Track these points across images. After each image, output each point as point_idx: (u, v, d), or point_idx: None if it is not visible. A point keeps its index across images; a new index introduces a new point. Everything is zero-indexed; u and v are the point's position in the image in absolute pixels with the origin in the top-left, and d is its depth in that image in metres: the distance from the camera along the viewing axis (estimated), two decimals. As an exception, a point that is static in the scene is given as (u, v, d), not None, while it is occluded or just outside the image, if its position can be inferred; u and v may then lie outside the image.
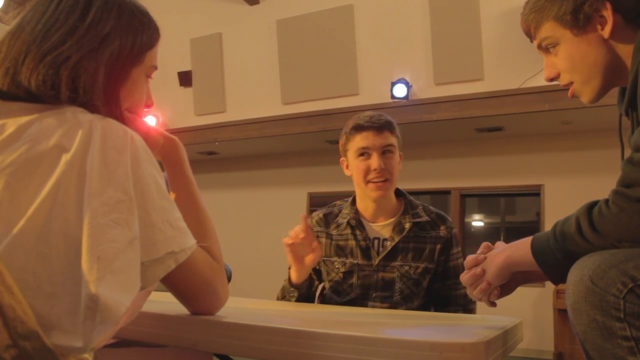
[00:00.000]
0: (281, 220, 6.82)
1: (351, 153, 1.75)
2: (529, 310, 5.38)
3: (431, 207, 1.83)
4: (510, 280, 1.04)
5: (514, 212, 6.94)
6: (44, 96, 0.79)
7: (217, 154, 6.98)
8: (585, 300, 0.80)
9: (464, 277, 1.06)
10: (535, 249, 0.95)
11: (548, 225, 5.05)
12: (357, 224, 1.77)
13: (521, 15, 1.11)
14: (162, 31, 0.95)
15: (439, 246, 1.75)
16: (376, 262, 1.74)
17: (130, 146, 0.77)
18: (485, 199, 6.65)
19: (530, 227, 6.30)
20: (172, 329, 1.01)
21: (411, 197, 1.84)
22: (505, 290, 1.05)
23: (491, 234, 6.77)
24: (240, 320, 0.98)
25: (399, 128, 1.79)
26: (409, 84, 5.17)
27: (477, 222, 6.89)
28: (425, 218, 1.77)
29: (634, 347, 0.76)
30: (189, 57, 6.39)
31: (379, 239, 1.78)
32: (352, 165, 1.76)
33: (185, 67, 6.39)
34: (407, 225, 1.74)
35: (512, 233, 6.57)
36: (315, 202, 6.81)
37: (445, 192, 6.28)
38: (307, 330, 0.90)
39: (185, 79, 6.40)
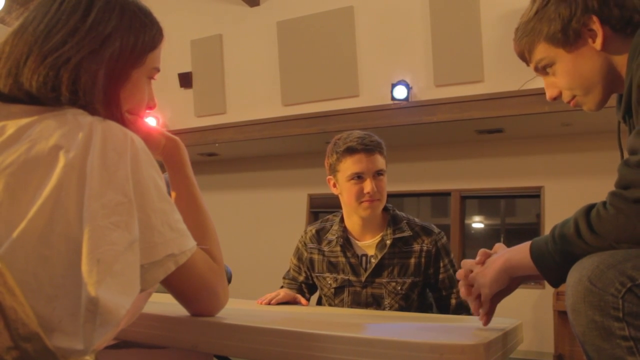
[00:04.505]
0: (281, 222, 6.86)
1: (342, 175, 1.75)
2: (529, 311, 5.37)
3: (417, 220, 1.83)
4: (509, 285, 1.03)
5: (514, 213, 6.95)
6: (44, 98, 0.79)
7: (217, 155, 6.98)
8: (584, 301, 0.80)
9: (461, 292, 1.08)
10: (534, 252, 0.95)
11: (548, 227, 5.03)
12: (345, 242, 1.79)
13: (513, 41, 1.13)
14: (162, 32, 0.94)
15: (423, 260, 1.75)
16: (364, 278, 1.76)
17: (130, 148, 0.77)
18: (485, 201, 6.64)
19: (530, 229, 6.30)
20: (173, 331, 1.01)
21: (396, 212, 1.84)
22: (504, 292, 1.05)
23: (491, 236, 6.77)
24: (240, 321, 0.98)
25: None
26: (409, 86, 5.17)
27: (477, 223, 6.89)
28: (407, 233, 1.77)
29: (632, 347, 0.77)
30: (189, 59, 6.39)
31: (366, 255, 1.79)
32: (344, 187, 1.76)
33: (186, 69, 6.39)
34: (389, 242, 1.75)
35: (512, 235, 6.57)
36: (316, 203, 6.80)
37: (446, 194, 6.27)
38: (308, 331, 0.90)
39: (185, 80, 6.40)
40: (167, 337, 1.02)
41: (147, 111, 0.96)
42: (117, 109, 0.86)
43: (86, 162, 0.73)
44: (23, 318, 0.63)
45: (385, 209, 1.82)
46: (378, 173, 1.73)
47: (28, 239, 0.68)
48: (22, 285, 0.65)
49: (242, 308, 1.43)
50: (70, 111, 0.79)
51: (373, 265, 1.75)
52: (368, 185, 1.70)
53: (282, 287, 1.94)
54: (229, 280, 2.66)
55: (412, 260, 1.75)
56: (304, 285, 1.91)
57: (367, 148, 1.71)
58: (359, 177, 1.72)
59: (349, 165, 1.72)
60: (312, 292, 1.94)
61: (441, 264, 1.77)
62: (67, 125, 0.76)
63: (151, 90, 0.95)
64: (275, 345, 0.90)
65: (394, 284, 1.74)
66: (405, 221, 1.81)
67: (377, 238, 1.78)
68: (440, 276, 1.77)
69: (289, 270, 1.95)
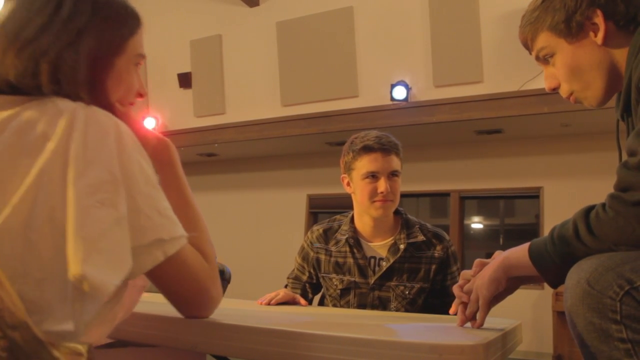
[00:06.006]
0: (281, 222, 6.87)
1: (357, 173, 1.75)
2: (528, 312, 5.37)
3: (429, 226, 1.83)
4: (506, 287, 1.03)
5: (513, 214, 6.94)
6: (26, 87, 0.79)
7: (216, 155, 6.97)
8: (583, 303, 0.80)
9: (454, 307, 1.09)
10: (532, 252, 0.95)
11: (547, 228, 5.03)
12: (355, 242, 1.78)
13: (519, 28, 1.13)
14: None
15: (434, 266, 1.75)
16: (372, 280, 1.75)
17: (114, 130, 0.76)
18: (484, 201, 6.64)
19: (530, 230, 6.30)
20: (172, 331, 1.01)
21: (408, 216, 1.84)
22: (501, 295, 1.05)
23: (490, 237, 6.78)
24: (240, 321, 0.98)
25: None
26: (408, 86, 5.17)
27: (477, 224, 6.89)
28: (420, 238, 1.77)
29: (630, 349, 0.77)
30: (189, 59, 6.38)
31: (375, 257, 1.79)
32: (357, 186, 1.76)
33: (185, 69, 6.39)
34: (402, 246, 1.74)
35: (511, 235, 6.57)
36: (315, 204, 6.80)
37: (445, 195, 6.27)
38: (307, 332, 0.90)
39: (184, 80, 6.40)
40: (167, 337, 1.02)
41: (138, 99, 0.95)
42: (105, 99, 0.85)
43: (69, 147, 0.72)
44: (10, 307, 0.62)
45: (397, 213, 1.82)
46: (393, 174, 1.73)
47: (13, 224, 0.68)
48: (9, 271, 0.65)
49: (241, 308, 1.44)
50: (52, 99, 0.79)
51: (383, 268, 1.74)
52: (382, 185, 1.70)
53: (286, 286, 1.95)
54: (229, 281, 2.65)
55: (423, 266, 1.75)
56: (307, 284, 1.91)
57: (384, 148, 1.72)
58: (373, 176, 1.72)
59: (365, 164, 1.73)
60: (315, 292, 1.94)
61: (449, 271, 1.78)
62: (49, 112, 0.76)
63: (139, 78, 0.94)
64: (274, 346, 0.90)
65: (402, 287, 1.73)
66: (417, 226, 1.80)
67: (389, 241, 1.78)
68: (447, 283, 1.77)
69: (293, 270, 1.95)
